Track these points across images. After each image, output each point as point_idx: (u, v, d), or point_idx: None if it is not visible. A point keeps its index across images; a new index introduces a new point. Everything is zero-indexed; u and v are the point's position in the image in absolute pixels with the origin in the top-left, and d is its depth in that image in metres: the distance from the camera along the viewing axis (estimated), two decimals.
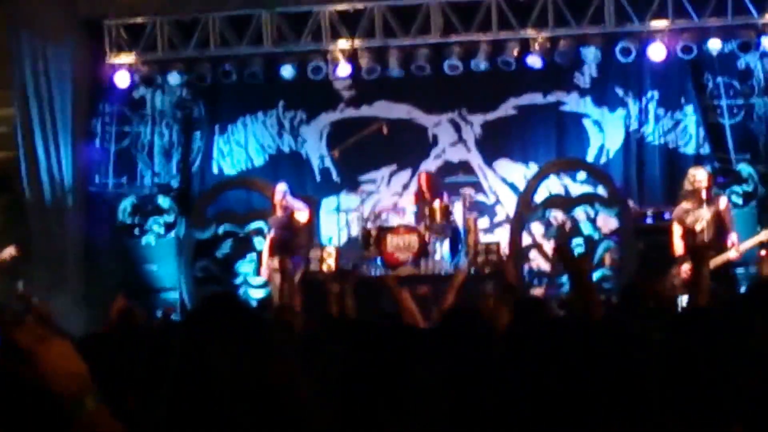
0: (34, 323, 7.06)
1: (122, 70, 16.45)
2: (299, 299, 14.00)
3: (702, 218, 11.92)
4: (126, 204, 16.75)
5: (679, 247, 12.11)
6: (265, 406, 2.98)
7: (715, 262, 11.69)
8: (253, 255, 15.98)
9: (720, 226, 11.92)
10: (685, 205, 12.13)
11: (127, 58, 16.52)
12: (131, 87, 16.71)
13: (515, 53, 15.65)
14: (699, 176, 12.19)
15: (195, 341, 3.07)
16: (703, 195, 11.94)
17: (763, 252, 12.06)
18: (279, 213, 14.74)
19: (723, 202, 12.16)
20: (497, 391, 4.67)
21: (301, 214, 14.82)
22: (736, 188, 15.02)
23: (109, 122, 16.94)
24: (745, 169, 15.31)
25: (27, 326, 3.04)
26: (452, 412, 4.36)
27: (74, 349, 2.98)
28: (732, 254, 11.78)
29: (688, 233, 12.06)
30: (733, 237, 11.93)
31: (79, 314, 14.47)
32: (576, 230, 15.08)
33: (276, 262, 14.48)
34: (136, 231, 16.62)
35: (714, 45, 15.13)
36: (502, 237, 15.76)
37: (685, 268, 11.74)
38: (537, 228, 15.52)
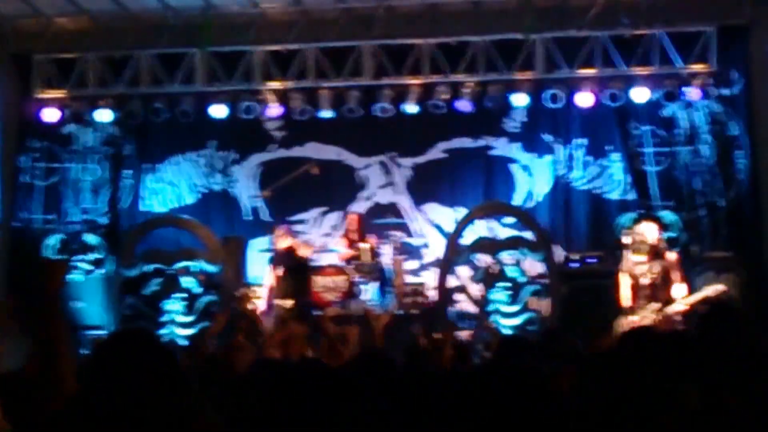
0: None
1: (51, 106, 16.34)
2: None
3: (650, 271, 12.03)
4: (53, 240, 16.61)
5: (626, 298, 12.19)
6: None
7: (660, 315, 11.81)
8: (182, 294, 15.88)
9: (666, 279, 12.04)
10: (634, 257, 12.20)
11: (57, 93, 16.43)
12: (60, 123, 16.60)
13: (445, 97, 15.79)
14: (650, 230, 12.32)
15: (102, 377, 3.08)
16: (652, 248, 12.07)
17: (703, 307, 12.13)
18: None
19: (673, 256, 12.29)
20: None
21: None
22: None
23: (38, 158, 16.81)
24: (668, 216, 15.53)
25: None
26: None
27: None
28: (678, 306, 11.88)
29: (637, 285, 12.13)
30: (683, 289, 12.03)
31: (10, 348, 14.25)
32: (502, 274, 15.17)
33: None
34: None
35: (640, 93, 15.39)
36: (429, 279, 15.82)
37: (631, 319, 11.84)
38: (464, 271, 15.60)
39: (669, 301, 11.87)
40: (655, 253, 12.11)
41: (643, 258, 12.06)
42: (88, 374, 3.12)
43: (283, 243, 14.66)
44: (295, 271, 14.33)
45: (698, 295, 12.03)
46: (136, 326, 14.05)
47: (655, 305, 11.86)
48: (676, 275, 12.06)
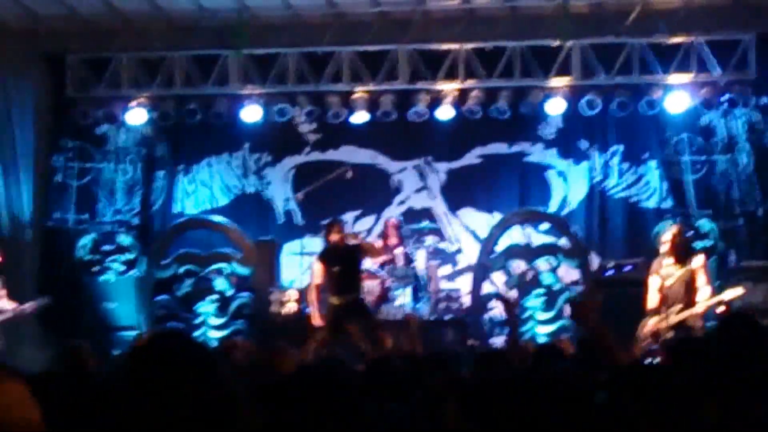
0: None
1: (85, 106, 16.33)
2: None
3: (673, 274, 11.93)
4: (86, 240, 16.58)
5: (651, 300, 12.10)
6: None
7: (679, 317, 11.70)
8: (215, 296, 15.85)
9: (690, 282, 11.92)
10: (662, 259, 12.13)
11: (90, 93, 16.40)
12: (94, 123, 16.59)
13: (480, 102, 15.70)
14: (669, 233, 12.23)
15: (140, 379, 3.01)
16: (675, 251, 11.97)
17: (721, 308, 12.04)
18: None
19: (698, 260, 12.16)
20: None
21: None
22: (697, 243, 15.07)
23: (71, 158, 16.80)
24: (705, 224, 15.39)
25: None
26: None
27: (28, 393, 2.91)
28: (697, 309, 11.77)
29: (663, 287, 12.06)
30: (705, 292, 11.91)
31: (34, 350, 14.25)
32: (537, 280, 15.06)
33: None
34: (95, 268, 16.44)
35: (677, 101, 15.25)
36: (463, 284, 15.72)
37: (653, 321, 11.76)
38: (499, 277, 15.49)
39: (691, 304, 11.78)
40: (681, 256, 11.99)
41: (670, 261, 11.97)
42: (126, 375, 3.05)
43: (336, 236, 13.75)
44: (351, 266, 13.56)
45: (716, 299, 11.91)
46: (169, 327, 14.03)
47: (677, 307, 11.77)
48: (701, 279, 11.94)
